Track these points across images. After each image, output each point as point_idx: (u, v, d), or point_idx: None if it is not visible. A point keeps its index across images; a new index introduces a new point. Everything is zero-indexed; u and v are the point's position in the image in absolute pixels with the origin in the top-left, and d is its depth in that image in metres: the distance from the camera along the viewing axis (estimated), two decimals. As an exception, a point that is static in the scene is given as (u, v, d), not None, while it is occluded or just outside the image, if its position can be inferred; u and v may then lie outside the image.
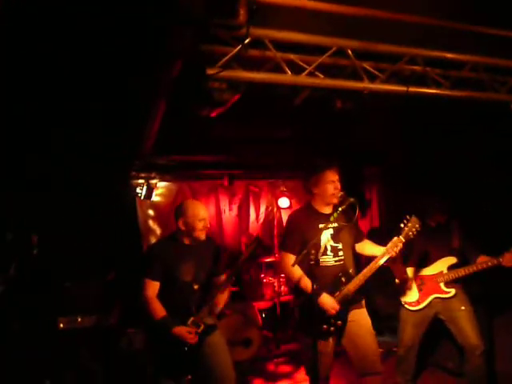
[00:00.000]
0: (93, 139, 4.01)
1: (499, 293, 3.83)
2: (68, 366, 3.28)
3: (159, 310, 2.80)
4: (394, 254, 2.83)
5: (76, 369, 3.31)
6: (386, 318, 4.75)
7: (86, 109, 3.33)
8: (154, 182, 5.39)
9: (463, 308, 3.44)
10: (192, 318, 2.83)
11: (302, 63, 2.47)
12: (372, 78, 2.61)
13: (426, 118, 3.69)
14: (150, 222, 5.57)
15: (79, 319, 3.33)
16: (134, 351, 4.31)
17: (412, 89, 2.67)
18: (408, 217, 2.83)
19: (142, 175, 5.27)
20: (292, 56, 2.47)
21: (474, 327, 3.40)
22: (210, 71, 2.18)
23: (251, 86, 2.41)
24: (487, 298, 3.85)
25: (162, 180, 5.53)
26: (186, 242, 2.96)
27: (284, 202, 5.74)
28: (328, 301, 2.81)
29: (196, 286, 2.92)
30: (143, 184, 5.25)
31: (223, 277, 2.99)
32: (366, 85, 2.58)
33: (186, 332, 2.77)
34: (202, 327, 2.82)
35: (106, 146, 4.17)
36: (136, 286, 2.89)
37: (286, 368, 4.66)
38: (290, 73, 2.41)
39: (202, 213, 2.93)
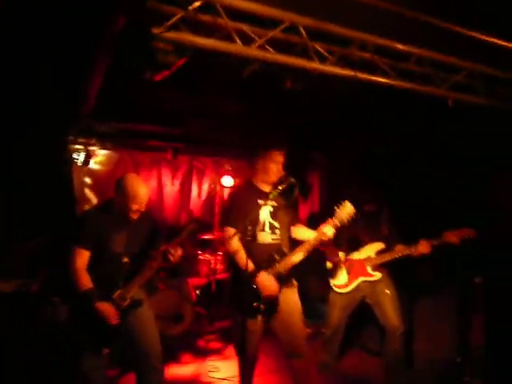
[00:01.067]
0: (29, 95, 3.74)
1: (422, 278, 4.06)
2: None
3: (85, 282, 2.67)
4: (326, 237, 2.86)
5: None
6: (317, 299, 4.89)
7: (21, 62, 3.09)
8: (93, 148, 5.14)
9: (387, 292, 3.61)
10: (119, 291, 2.73)
11: (253, 35, 2.41)
12: (322, 60, 2.61)
13: (370, 106, 3.76)
14: (86, 190, 5.30)
15: (-4, 284, 3.13)
16: (57, 322, 4.17)
17: (360, 75, 2.70)
18: (343, 202, 2.88)
19: (81, 140, 4.99)
20: (244, 26, 2.40)
21: (396, 310, 3.57)
22: (156, 30, 2.07)
23: (199, 52, 2.32)
24: (410, 284, 4.06)
25: (102, 148, 5.27)
26: (120, 214, 2.83)
27: (227, 181, 5.69)
28: (266, 279, 2.81)
29: (126, 259, 2.81)
30: (81, 150, 4.99)
31: (155, 253, 2.85)
32: (316, 65, 2.57)
33: (109, 308, 2.67)
34: (127, 301, 2.74)
35: (43, 103, 3.90)
36: (65, 254, 2.74)
37: (216, 344, 4.68)
38: (240, 43, 2.34)
39: (140, 195, 2.77)
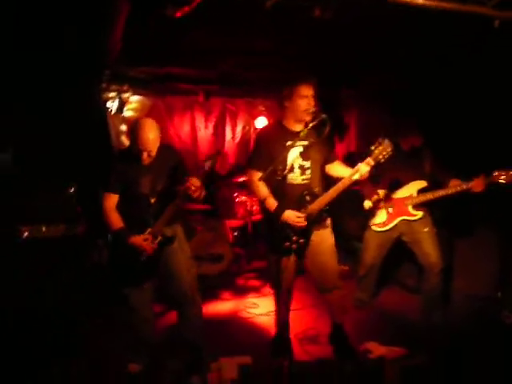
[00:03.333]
0: (58, 46, 3.75)
1: (461, 217, 3.94)
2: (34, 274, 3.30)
3: (116, 221, 2.79)
4: (360, 177, 2.75)
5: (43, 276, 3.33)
6: (355, 238, 4.89)
7: (46, 16, 3.07)
8: (126, 95, 5.15)
9: (426, 229, 3.54)
10: (149, 230, 2.82)
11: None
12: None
13: (404, 39, 3.50)
14: (123, 138, 5.40)
15: (44, 228, 3.29)
16: (102, 263, 4.41)
17: (394, -3, 2.49)
18: (380, 140, 2.73)
19: (113, 88, 5.01)
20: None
21: (435, 247, 3.51)
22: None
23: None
24: (450, 222, 3.96)
25: (134, 94, 5.29)
26: (137, 157, 2.82)
27: (261, 122, 5.61)
28: (291, 215, 2.80)
29: (153, 200, 2.85)
30: (114, 97, 5.02)
31: (178, 191, 2.80)
32: (345, -11, 2.39)
33: (142, 241, 2.76)
34: (159, 238, 2.82)
35: (72, 53, 3.91)
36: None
37: (254, 283, 4.83)
38: (261, -30, 2.20)
39: (145, 140, 2.72)
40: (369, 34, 3.67)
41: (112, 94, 5.02)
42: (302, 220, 2.80)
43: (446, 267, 3.61)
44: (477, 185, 3.23)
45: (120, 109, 5.06)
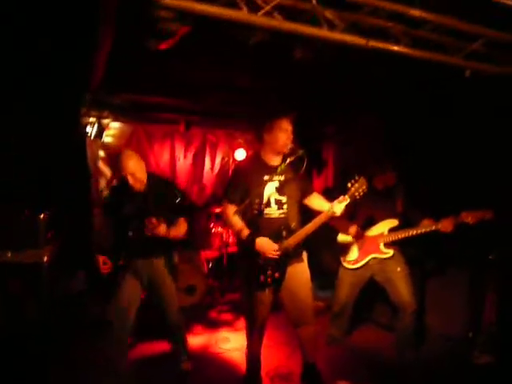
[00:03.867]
0: (39, 71, 3.76)
1: (433, 256, 4.00)
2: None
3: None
4: (334, 214, 2.81)
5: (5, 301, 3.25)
6: (330, 272, 4.89)
7: (31, 40, 3.10)
8: (105, 121, 5.12)
9: (399, 269, 3.55)
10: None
11: (259, 1, 2.32)
12: (332, 27, 2.51)
13: (384, 77, 3.64)
14: (101, 164, 5.35)
15: (9, 254, 3.19)
16: (74, 292, 4.30)
17: (372, 43, 2.60)
18: (356, 177, 2.80)
19: (94, 113, 4.98)
20: (250, -8, 2.31)
21: (408, 287, 3.52)
22: (157, -2, 2.00)
23: (203, 20, 2.25)
24: (421, 261, 4.01)
25: (115, 120, 5.27)
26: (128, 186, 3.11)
27: (240, 154, 5.64)
28: (264, 242, 2.80)
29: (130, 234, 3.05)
30: (94, 122, 4.99)
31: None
32: (325, 33, 2.48)
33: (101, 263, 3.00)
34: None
35: (54, 76, 3.91)
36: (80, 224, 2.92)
37: (227, 316, 4.74)
38: (245, 10, 2.27)
39: (129, 166, 3.06)
40: (348, 74, 3.81)
41: (92, 119, 4.99)
42: (274, 249, 2.81)
43: (418, 306, 3.63)
44: (446, 225, 3.30)
45: (99, 134, 5.02)
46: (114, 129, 5.35)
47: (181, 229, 3.16)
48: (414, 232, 3.43)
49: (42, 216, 3.43)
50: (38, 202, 3.73)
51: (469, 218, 3.24)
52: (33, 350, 3.31)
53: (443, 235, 3.32)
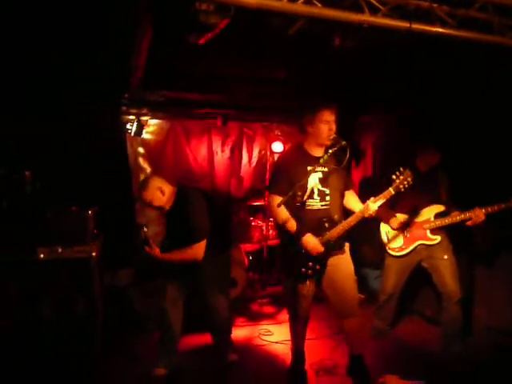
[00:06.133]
0: (80, 72, 3.85)
1: (482, 243, 3.85)
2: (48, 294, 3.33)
3: None
4: (369, 213, 2.77)
5: (55, 295, 3.36)
6: (371, 265, 4.81)
7: (70, 41, 3.17)
8: (145, 118, 5.22)
9: (446, 257, 3.47)
10: None
11: (298, -11, 2.27)
12: (374, 11, 2.43)
13: (426, 63, 3.50)
14: (140, 160, 5.46)
15: (60, 250, 3.31)
16: (119, 286, 4.41)
17: (415, 25, 2.49)
18: (401, 169, 2.71)
19: (133, 111, 5.07)
20: (289, -19, 2.27)
21: (454, 275, 3.44)
22: (197, -10, 2.00)
23: (242, 12, 2.23)
24: (470, 249, 3.87)
25: (153, 117, 5.37)
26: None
27: (278, 147, 5.60)
28: (311, 240, 2.79)
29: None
30: (134, 120, 5.09)
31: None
32: (366, 17, 2.40)
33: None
34: None
35: (94, 78, 4.01)
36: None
37: (269, 309, 4.76)
38: (285, -1, 2.23)
39: (144, 196, 3.08)
40: (385, 61, 3.70)
41: (131, 117, 5.09)
42: (319, 246, 2.79)
43: (465, 297, 3.52)
44: (476, 215, 3.22)
45: (139, 131, 5.12)
46: (152, 125, 5.45)
47: (185, 254, 3.01)
48: (460, 217, 3.33)
49: (89, 212, 3.53)
50: (85, 199, 3.85)
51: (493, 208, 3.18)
52: (82, 344, 3.43)
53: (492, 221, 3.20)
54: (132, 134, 5.09)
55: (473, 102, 3.94)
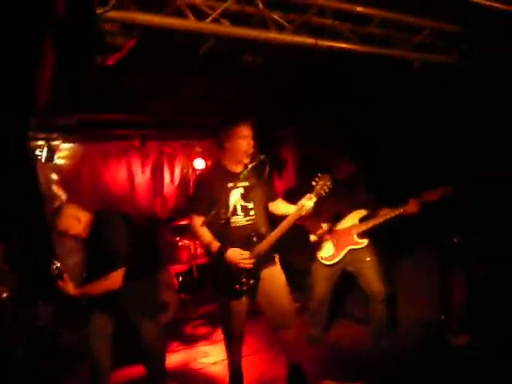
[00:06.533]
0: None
1: (401, 241, 4.08)
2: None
3: None
4: (305, 212, 2.78)
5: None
6: (302, 272, 4.90)
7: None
8: (56, 143, 4.94)
9: (368, 259, 3.61)
10: None
11: (206, 8, 2.29)
12: (280, 29, 2.51)
13: (335, 75, 3.69)
14: (54, 187, 5.13)
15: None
16: (40, 324, 4.08)
17: (321, 42, 2.62)
18: (320, 174, 2.79)
19: (42, 136, 4.79)
20: (195, 0, 2.28)
21: (378, 275, 3.59)
22: (100, 10, 1.93)
23: (150, 31, 2.19)
24: (390, 248, 4.08)
25: (65, 141, 5.09)
26: None
27: (199, 164, 5.57)
28: (234, 253, 2.77)
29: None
30: (43, 146, 4.79)
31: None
32: (273, 35, 2.47)
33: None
34: None
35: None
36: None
37: (203, 330, 4.64)
38: (192, 18, 2.23)
39: (58, 225, 2.89)
40: (298, 76, 3.84)
41: (40, 142, 4.79)
42: (246, 258, 2.78)
43: (390, 294, 3.70)
44: (412, 207, 3.36)
45: (50, 157, 4.82)
46: (65, 150, 5.16)
47: (102, 285, 2.81)
48: (384, 218, 3.48)
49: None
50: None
51: (431, 196, 3.33)
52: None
53: (409, 220, 3.39)
54: (43, 161, 4.78)
55: (381, 107, 4.21)
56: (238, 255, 2.77)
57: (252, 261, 2.80)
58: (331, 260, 3.66)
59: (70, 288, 2.82)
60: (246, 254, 2.79)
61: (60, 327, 4.11)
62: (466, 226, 3.46)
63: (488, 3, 2.52)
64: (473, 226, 3.36)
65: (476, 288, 3.36)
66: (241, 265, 2.77)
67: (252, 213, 2.90)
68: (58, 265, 2.84)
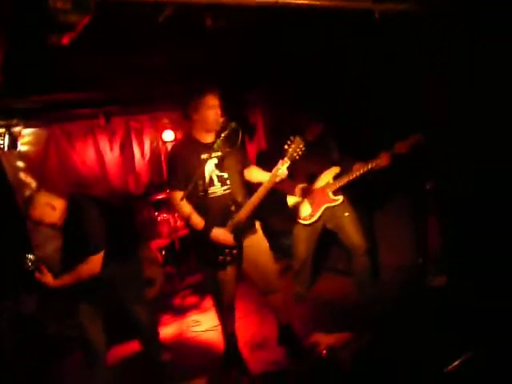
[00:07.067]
0: None
1: (376, 193, 4.18)
2: None
3: None
4: (280, 178, 2.78)
5: None
6: (282, 234, 4.98)
7: None
8: (16, 129, 4.74)
9: (346, 214, 3.70)
10: None
11: (159, -25, 2.18)
12: (239, -10, 2.43)
13: (296, 33, 3.62)
14: (22, 175, 4.97)
15: None
16: (25, 314, 4.06)
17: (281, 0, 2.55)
18: (292, 138, 2.75)
19: (1, 123, 4.58)
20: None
21: (357, 230, 3.70)
22: (49, -12, 1.82)
23: (105, 5, 2.09)
24: (367, 200, 4.18)
25: (27, 126, 4.89)
26: None
27: (168, 135, 5.45)
28: (220, 234, 2.79)
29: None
30: (4, 133, 4.59)
31: None
32: (234, -3, 2.39)
33: None
34: None
35: None
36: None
37: (192, 299, 4.71)
38: (147, -13, 2.13)
39: (32, 216, 2.80)
40: (261, 37, 3.76)
41: (0, 130, 4.59)
42: (230, 237, 2.81)
43: (370, 245, 3.82)
44: (383, 160, 3.45)
45: (13, 145, 4.64)
46: (28, 135, 4.97)
47: (81, 272, 2.77)
48: (358, 173, 3.55)
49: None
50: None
51: (402, 147, 3.41)
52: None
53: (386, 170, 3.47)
54: (5, 149, 4.60)
55: (345, 63, 4.18)
56: (222, 235, 2.79)
57: (233, 240, 2.83)
58: (309, 219, 3.73)
59: (49, 279, 2.77)
60: (231, 237, 2.82)
61: (46, 316, 4.09)
62: (436, 172, 3.56)
63: None
64: (443, 173, 3.45)
65: (449, 231, 3.49)
66: (225, 243, 2.81)
67: (228, 182, 2.90)
68: (32, 257, 2.77)
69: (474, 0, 2.87)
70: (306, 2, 2.66)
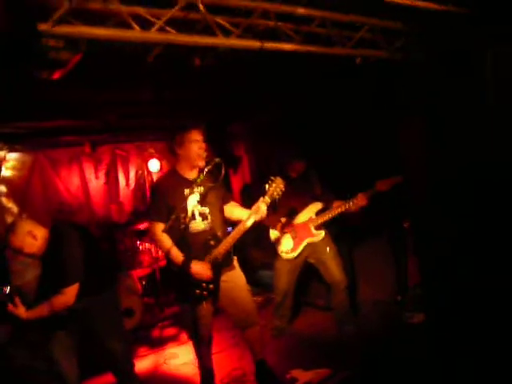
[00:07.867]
0: None
1: (356, 228, 4.27)
2: None
3: None
4: (260, 216, 2.83)
5: None
6: (261, 268, 5.00)
7: None
8: (1, 154, 4.76)
9: (328, 249, 3.77)
10: None
11: (150, 17, 2.28)
12: (226, 34, 2.54)
13: (282, 73, 3.76)
14: (4, 200, 4.95)
15: None
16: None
17: (267, 44, 2.67)
18: (272, 178, 2.83)
19: (-14, 148, 4.61)
20: (139, 10, 2.26)
21: (338, 265, 3.76)
22: (43, 26, 1.89)
23: (96, 44, 2.17)
24: (347, 236, 4.26)
25: (11, 151, 4.91)
26: None
27: (154, 165, 5.52)
28: (199, 267, 2.81)
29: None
30: (-13, 158, 4.61)
31: None
32: (220, 41, 2.50)
33: None
34: None
35: None
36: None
37: (171, 331, 4.66)
38: (138, 28, 2.22)
39: (12, 244, 2.78)
40: (246, 75, 3.89)
41: (-16, 154, 4.60)
42: (208, 272, 2.83)
43: (350, 280, 3.87)
44: (361, 200, 3.56)
45: (-4, 170, 4.65)
46: (12, 160, 4.97)
47: (55, 304, 2.72)
48: (339, 210, 3.65)
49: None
50: None
51: (383, 185, 3.52)
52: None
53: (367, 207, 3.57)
54: (-11, 174, 4.60)
55: (328, 103, 4.34)
56: (201, 269, 2.81)
57: (211, 275, 2.84)
58: (291, 253, 3.78)
59: (21, 312, 2.72)
60: (210, 271, 2.83)
61: (16, 347, 3.99)
62: (414, 211, 3.66)
63: (422, 4, 2.67)
64: (420, 212, 3.56)
65: (427, 269, 3.57)
66: (203, 277, 2.83)
67: (209, 217, 2.93)
68: (6, 289, 2.74)
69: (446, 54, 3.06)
70: (290, 47, 2.79)
